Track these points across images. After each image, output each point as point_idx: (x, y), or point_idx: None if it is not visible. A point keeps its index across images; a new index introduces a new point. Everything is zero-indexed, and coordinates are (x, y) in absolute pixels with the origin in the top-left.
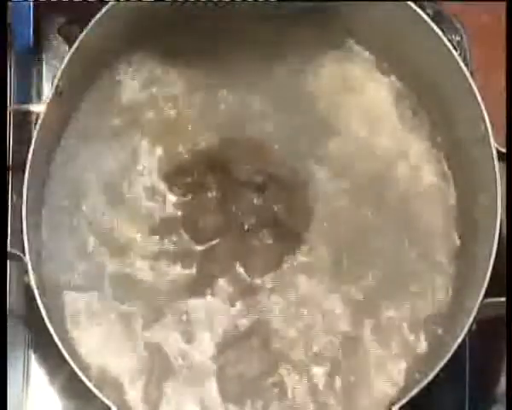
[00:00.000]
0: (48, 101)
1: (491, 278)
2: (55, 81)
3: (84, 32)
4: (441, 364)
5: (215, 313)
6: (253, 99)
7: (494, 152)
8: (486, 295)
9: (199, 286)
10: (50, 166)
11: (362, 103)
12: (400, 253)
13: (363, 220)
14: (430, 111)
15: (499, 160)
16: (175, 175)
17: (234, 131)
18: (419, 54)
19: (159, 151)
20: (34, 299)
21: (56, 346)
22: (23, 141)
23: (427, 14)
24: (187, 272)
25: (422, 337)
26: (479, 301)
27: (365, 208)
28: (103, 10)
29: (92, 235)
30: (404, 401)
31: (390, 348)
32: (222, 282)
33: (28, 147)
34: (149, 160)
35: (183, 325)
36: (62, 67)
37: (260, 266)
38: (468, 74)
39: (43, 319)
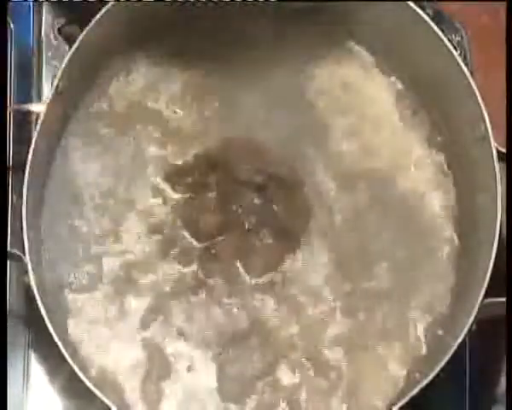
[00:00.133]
0: (48, 101)
1: (491, 278)
2: (55, 81)
3: (84, 32)
4: (441, 364)
5: (215, 311)
6: (253, 99)
7: (494, 152)
8: (486, 295)
9: (199, 285)
10: (50, 166)
11: (362, 103)
12: (400, 253)
13: (363, 220)
14: (430, 111)
15: (499, 160)
16: (176, 175)
17: (234, 132)
18: (419, 54)
19: (159, 151)
20: (34, 299)
21: (56, 346)
22: (23, 141)
23: (427, 14)
24: (187, 271)
25: (422, 338)
26: (479, 301)
27: (365, 208)
28: (103, 10)
29: (92, 235)
30: (404, 401)
31: (390, 348)
32: (222, 281)
33: (28, 147)
34: (150, 159)
35: (183, 325)
36: (62, 67)
37: (260, 265)
38: (468, 74)
39: (43, 319)
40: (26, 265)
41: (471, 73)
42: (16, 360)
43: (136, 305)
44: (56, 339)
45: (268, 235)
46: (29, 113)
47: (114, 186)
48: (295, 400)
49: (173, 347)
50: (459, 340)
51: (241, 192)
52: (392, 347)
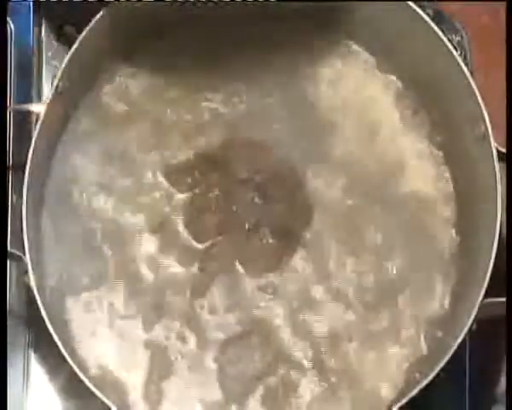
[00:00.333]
0: (48, 101)
1: (491, 278)
2: (55, 81)
3: (84, 33)
4: (441, 364)
5: (215, 311)
6: (253, 99)
7: (494, 152)
8: (486, 295)
9: (200, 285)
10: (50, 166)
11: (362, 103)
12: (400, 253)
13: (363, 220)
14: (430, 111)
15: (499, 160)
16: (176, 174)
17: (234, 132)
18: (419, 54)
19: (159, 151)
20: (34, 299)
21: (56, 346)
22: (23, 141)
23: (427, 14)
24: (188, 270)
25: (422, 338)
26: (479, 301)
27: (365, 208)
28: (103, 10)
29: (92, 234)
30: (404, 401)
31: (391, 348)
32: (222, 280)
33: (28, 147)
34: (150, 160)
35: (183, 324)
36: (62, 67)
37: (261, 264)
38: (468, 74)
39: (43, 319)
40: (26, 265)
41: (471, 73)
42: (16, 360)
43: (137, 304)
44: (56, 339)
45: (268, 235)
46: (29, 113)
47: (114, 186)
48: (296, 399)
49: (174, 347)
50: (459, 340)
51: (241, 192)
52: (393, 347)
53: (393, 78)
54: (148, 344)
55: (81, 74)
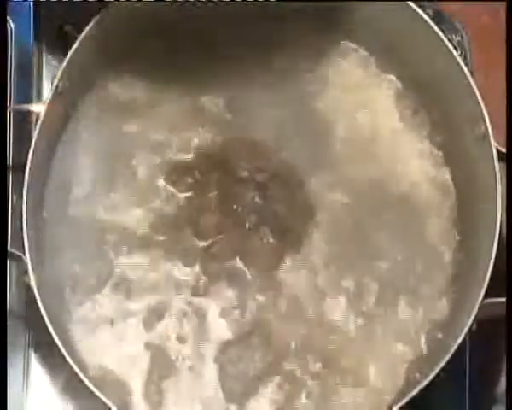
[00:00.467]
0: (48, 101)
1: (491, 278)
2: (55, 81)
3: (83, 33)
4: (441, 364)
5: (216, 311)
6: (252, 99)
7: (494, 152)
8: (486, 295)
9: (200, 284)
10: (50, 166)
11: (362, 103)
12: (400, 253)
13: (364, 219)
14: (430, 111)
15: (499, 160)
16: (176, 174)
17: (234, 132)
18: (419, 54)
19: (160, 151)
20: (34, 299)
21: (56, 346)
22: (23, 141)
23: (427, 14)
24: (189, 270)
25: (423, 338)
26: (479, 301)
27: (365, 208)
28: (103, 10)
29: (92, 234)
30: (404, 402)
31: (391, 348)
32: (223, 280)
33: (28, 147)
34: (151, 159)
35: (184, 324)
36: (62, 67)
37: (261, 264)
38: (468, 74)
39: (43, 319)
40: (26, 265)
41: (471, 73)
42: (16, 360)
43: (138, 305)
44: (56, 339)
45: (268, 234)
46: (29, 113)
47: (114, 186)
48: (295, 400)
49: (175, 347)
50: (459, 340)
51: (241, 191)
52: (393, 347)
53: (393, 78)
54: (148, 344)
55: (81, 74)
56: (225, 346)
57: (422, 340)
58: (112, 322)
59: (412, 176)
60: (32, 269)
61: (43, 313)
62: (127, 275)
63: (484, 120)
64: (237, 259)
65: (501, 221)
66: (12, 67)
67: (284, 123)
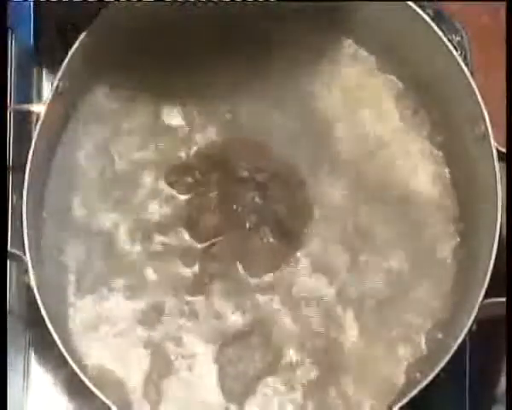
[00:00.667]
0: (48, 101)
1: (491, 278)
2: (55, 81)
3: (83, 33)
4: (441, 364)
5: (216, 311)
6: (253, 99)
7: (494, 152)
8: (486, 295)
9: (200, 284)
10: (50, 166)
11: (362, 103)
12: (400, 252)
13: (364, 220)
14: (430, 110)
15: (499, 160)
16: (176, 174)
17: (234, 132)
18: (419, 54)
19: (159, 151)
20: (34, 299)
21: (56, 346)
22: (23, 141)
23: (427, 14)
24: (188, 270)
25: (423, 338)
26: (479, 301)
27: (365, 208)
28: (103, 10)
29: (92, 234)
30: (404, 402)
31: (391, 348)
32: (223, 280)
33: (28, 147)
34: (151, 159)
35: (183, 324)
36: (62, 67)
37: (261, 264)
38: (468, 74)
39: (43, 319)
40: (26, 264)
41: (471, 73)
42: (16, 360)
43: (138, 304)
44: (56, 339)
45: (269, 234)
46: (29, 113)
47: (114, 186)
48: (296, 398)
49: (174, 346)
50: (459, 340)
51: (241, 192)
52: (393, 347)
53: (393, 78)
54: (148, 344)
55: (81, 74)
56: (225, 346)
57: (422, 340)
58: (112, 322)
59: (412, 176)
60: (32, 269)
61: (43, 313)
62: (127, 275)
63: (484, 120)
64: (237, 259)
65: (501, 221)
66: (12, 67)
67: (284, 123)
